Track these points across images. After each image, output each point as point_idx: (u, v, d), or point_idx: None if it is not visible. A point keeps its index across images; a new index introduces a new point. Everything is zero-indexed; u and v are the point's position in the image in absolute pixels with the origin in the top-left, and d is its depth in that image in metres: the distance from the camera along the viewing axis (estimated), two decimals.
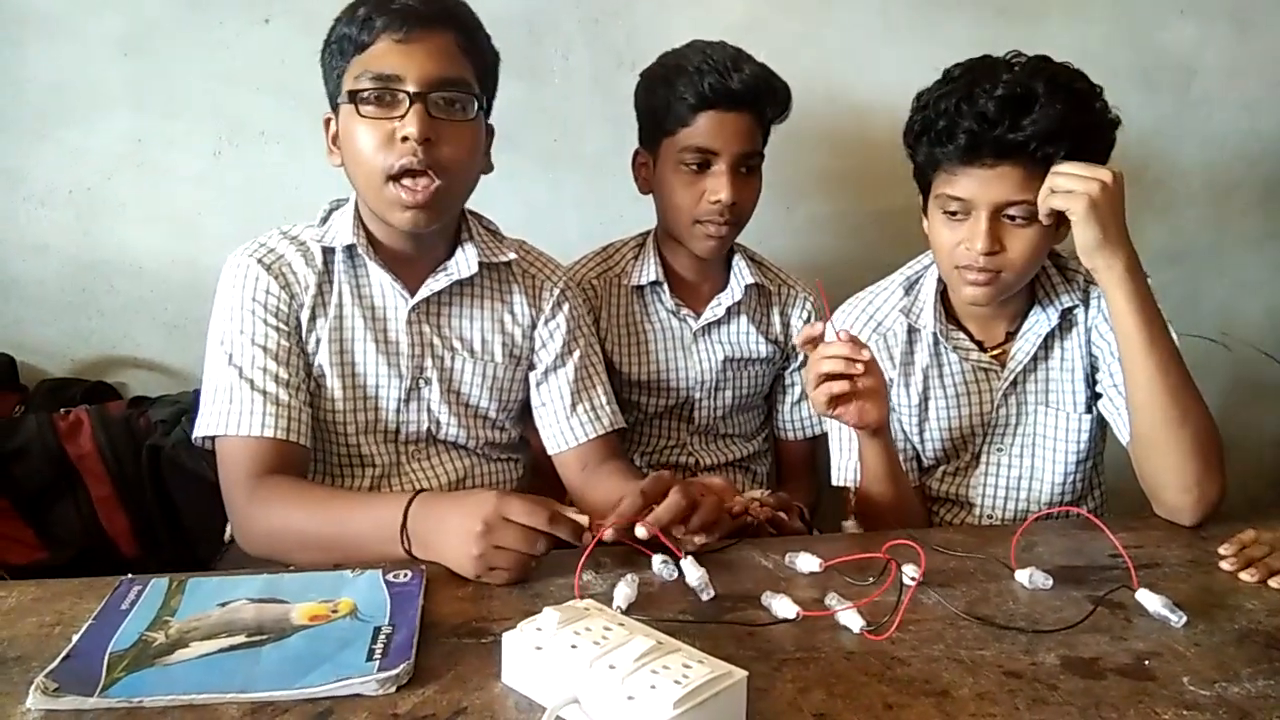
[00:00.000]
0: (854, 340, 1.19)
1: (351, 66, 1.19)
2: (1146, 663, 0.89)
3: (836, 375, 1.19)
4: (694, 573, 1.00)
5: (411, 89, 1.16)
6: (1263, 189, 2.16)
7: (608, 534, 1.02)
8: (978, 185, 1.26)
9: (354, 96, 1.17)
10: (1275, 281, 2.18)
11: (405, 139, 1.15)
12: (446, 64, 1.19)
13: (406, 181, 1.18)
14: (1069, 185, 1.20)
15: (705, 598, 0.99)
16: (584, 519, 1.01)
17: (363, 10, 1.18)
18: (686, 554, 1.03)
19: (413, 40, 1.17)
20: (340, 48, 1.20)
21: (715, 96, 1.44)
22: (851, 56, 1.93)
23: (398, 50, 1.16)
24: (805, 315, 1.67)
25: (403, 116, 1.16)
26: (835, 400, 1.21)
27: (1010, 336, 1.43)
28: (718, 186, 1.46)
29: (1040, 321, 1.40)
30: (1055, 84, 1.23)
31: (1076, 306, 1.40)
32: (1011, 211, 1.26)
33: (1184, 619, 0.96)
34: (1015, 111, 1.21)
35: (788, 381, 1.71)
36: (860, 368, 1.18)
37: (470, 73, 1.22)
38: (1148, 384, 1.22)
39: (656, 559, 1.04)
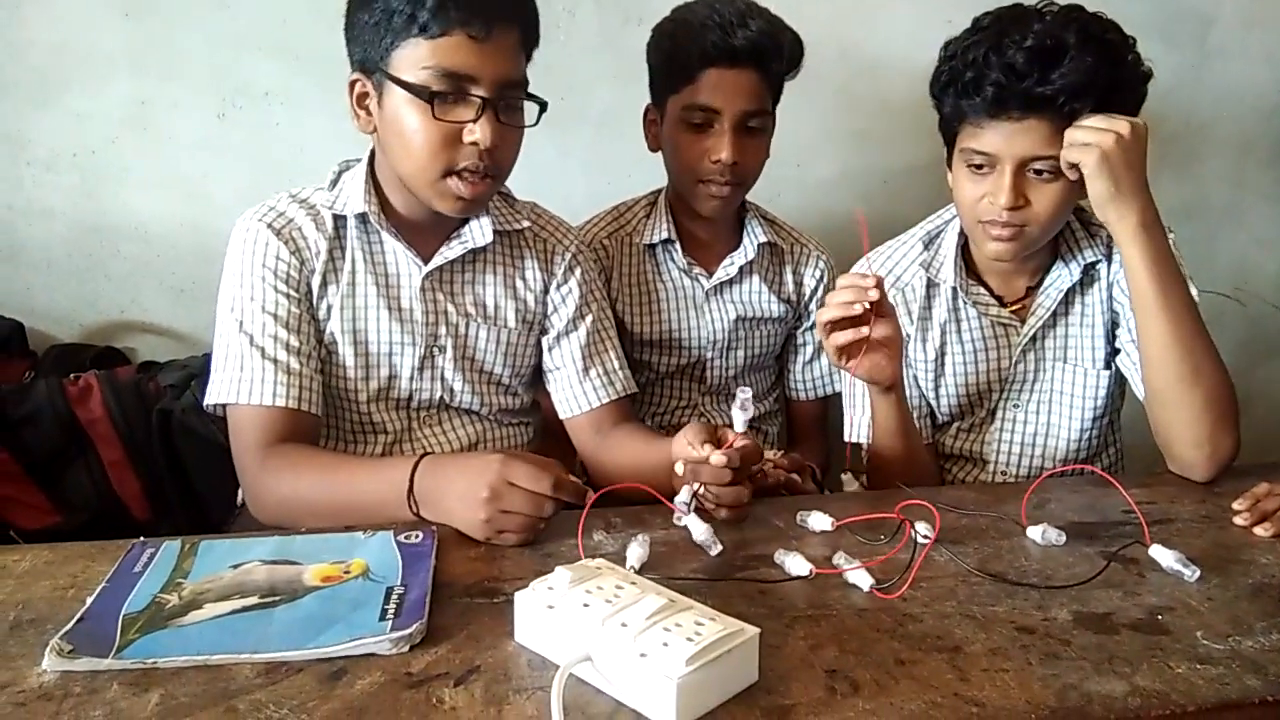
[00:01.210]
0: (867, 283, 1.17)
1: (410, 48, 1.12)
2: (1160, 617, 0.89)
3: (842, 324, 1.18)
4: (699, 527, 1.01)
5: (484, 93, 1.13)
6: None
7: (717, 457, 1.02)
8: (1003, 139, 1.24)
9: (428, 94, 1.11)
10: None
11: (474, 144, 1.13)
12: (513, 64, 1.17)
13: (466, 177, 1.16)
14: (1084, 138, 1.18)
15: (714, 553, 0.99)
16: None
17: None
18: (691, 511, 1.03)
19: (490, 39, 1.12)
20: (391, 21, 1.12)
21: (717, 54, 1.41)
22: (864, 11, 1.90)
23: (473, 49, 1.11)
24: (818, 274, 1.65)
25: (475, 120, 1.13)
26: (843, 350, 1.20)
27: (1030, 291, 1.41)
28: (719, 145, 1.44)
29: (1062, 277, 1.38)
30: (1087, 35, 1.20)
31: (1099, 261, 1.38)
32: (1037, 166, 1.24)
33: (1197, 574, 0.96)
34: (1044, 64, 1.19)
35: (799, 341, 1.70)
36: (859, 309, 1.16)
37: (524, 67, 1.20)
38: (1161, 340, 1.21)
39: (682, 496, 1.03)
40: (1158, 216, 1.21)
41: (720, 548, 1.00)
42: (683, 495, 1.04)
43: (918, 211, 1.50)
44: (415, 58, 1.12)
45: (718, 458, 1.02)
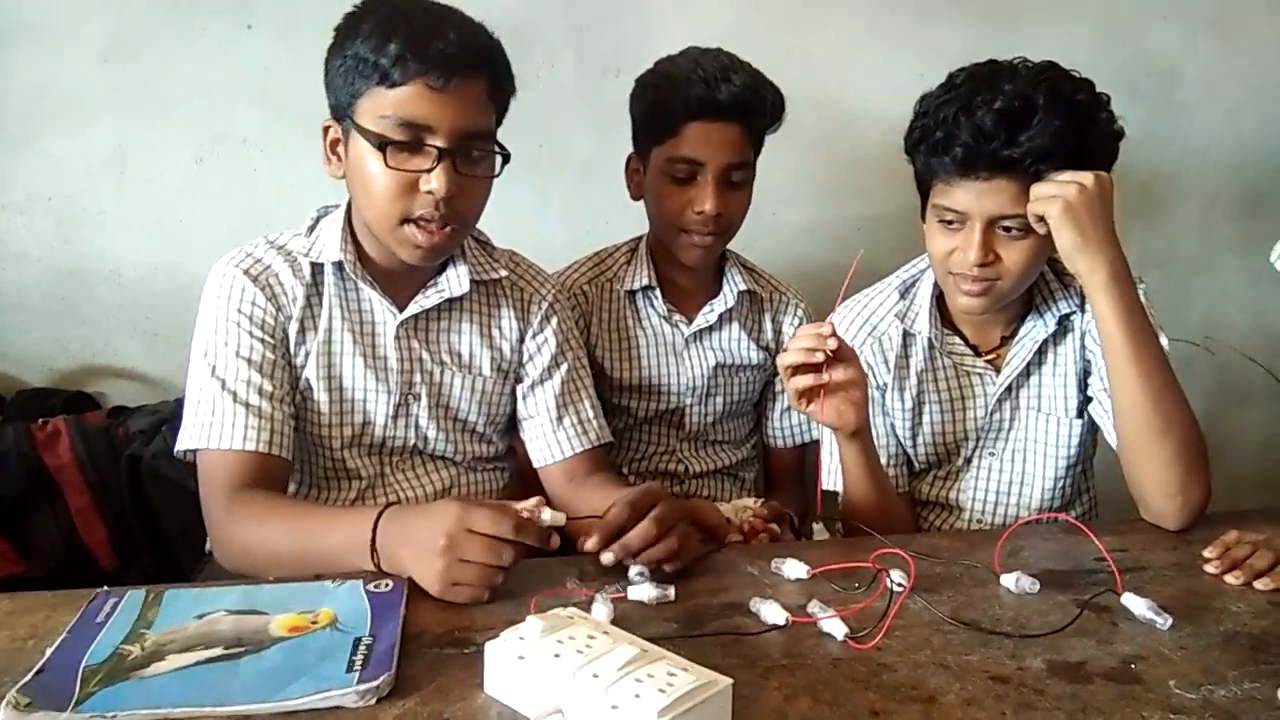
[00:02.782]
0: (825, 331, 1.18)
1: (373, 96, 1.14)
2: (1133, 666, 0.89)
3: (803, 368, 1.19)
4: (646, 592, 0.99)
5: (441, 143, 1.13)
6: (1244, 195, 2.17)
7: (591, 544, 1.01)
8: (973, 198, 1.25)
9: (380, 142, 1.13)
10: (1258, 286, 2.20)
11: (429, 193, 1.14)
12: (476, 115, 1.17)
13: (423, 225, 1.17)
14: (1048, 191, 1.20)
15: (670, 597, 0.99)
16: (561, 516, 1.00)
17: (395, 46, 1.11)
18: (634, 580, 1.02)
19: (449, 90, 1.12)
20: (359, 69, 1.14)
21: (701, 108, 1.43)
22: (837, 64, 1.94)
23: (431, 99, 1.12)
24: (797, 322, 1.66)
25: (430, 170, 1.14)
26: (804, 394, 1.21)
27: (1005, 341, 1.42)
28: (703, 197, 1.46)
29: (1037, 328, 1.40)
30: (1057, 96, 1.20)
31: (1073, 313, 1.39)
32: (1006, 223, 1.26)
33: (1170, 622, 0.96)
34: (1012, 127, 1.20)
35: (778, 389, 1.70)
36: (820, 357, 1.17)
37: (493, 118, 1.21)
38: (1133, 391, 1.22)
39: (633, 569, 1.03)
40: (1128, 268, 1.22)
41: (671, 587, 0.99)
42: (634, 570, 1.03)
43: (890, 258, 1.51)
44: (376, 106, 1.13)
45: (591, 544, 1.01)
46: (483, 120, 1.19)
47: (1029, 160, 1.21)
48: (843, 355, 1.19)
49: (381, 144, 1.13)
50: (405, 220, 1.16)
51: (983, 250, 1.26)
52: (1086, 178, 1.19)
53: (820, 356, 1.17)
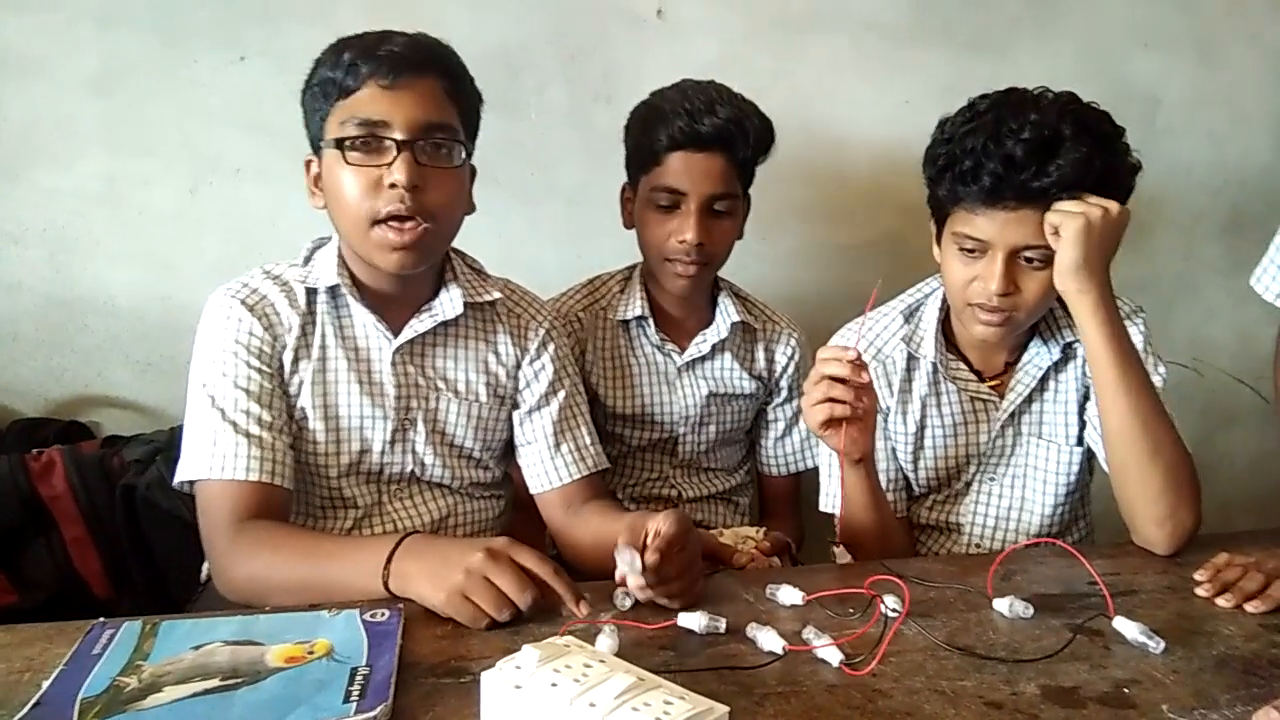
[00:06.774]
0: (857, 362, 1.19)
1: (336, 111, 1.18)
2: (1126, 690, 0.89)
3: (838, 398, 1.19)
4: (700, 621, 0.99)
5: (399, 135, 1.16)
6: (1228, 217, 2.20)
7: (650, 558, 0.99)
8: (997, 227, 1.26)
9: (340, 143, 1.17)
10: (1243, 307, 2.21)
11: (393, 185, 1.16)
12: (433, 109, 1.19)
13: (393, 224, 1.18)
14: (1072, 207, 1.20)
15: (721, 629, 0.99)
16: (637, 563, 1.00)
17: (348, 55, 1.17)
18: (622, 605, 1.04)
19: (400, 87, 1.17)
20: (323, 91, 1.19)
21: (683, 139, 1.46)
22: (825, 91, 1.96)
23: (384, 96, 1.16)
24: (789, 352, 1.68)
25: (390, 164, 1.16)
26: (829, 422, 1.21)
27: (1009, 367, 1.43)
28: (685, 227, 1.48)
29: (1041, 355, 1.41)
30: (1082, 127, 1.22)
31: (1076, 341, 1.40)
32: (1029, 254, 1.26)
33: (1162, 645, 0.97)
34: (1042, 157, 1.20)
35: (771, 417, 1.71)
36: (852, 395, 1.18)
37: (455, 117, 1.23)
38: (1121, 415, 1.23)
39: (619, 592, 1.04)
40: (1114, 300, 1.24)
41: (723, 619, 0.99)
42: (617, 596, 1.05)
43: (879, 284, 1.52)
44: (338, 117, 1.18)
45: (634, 581, 1.00)
46: (441, 114, 1.21)
47: (1056, 190, 1.21)
48: (866, 386, 1.21)
49: (339, 143, 1.17)
50: (375, 222, 1.18)
51: (1004, 280, 1.27)
52: (1112, 205, 1.21)
53: (853, 395, 1.18)
